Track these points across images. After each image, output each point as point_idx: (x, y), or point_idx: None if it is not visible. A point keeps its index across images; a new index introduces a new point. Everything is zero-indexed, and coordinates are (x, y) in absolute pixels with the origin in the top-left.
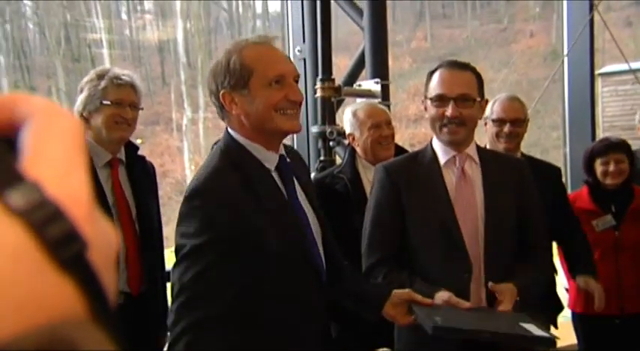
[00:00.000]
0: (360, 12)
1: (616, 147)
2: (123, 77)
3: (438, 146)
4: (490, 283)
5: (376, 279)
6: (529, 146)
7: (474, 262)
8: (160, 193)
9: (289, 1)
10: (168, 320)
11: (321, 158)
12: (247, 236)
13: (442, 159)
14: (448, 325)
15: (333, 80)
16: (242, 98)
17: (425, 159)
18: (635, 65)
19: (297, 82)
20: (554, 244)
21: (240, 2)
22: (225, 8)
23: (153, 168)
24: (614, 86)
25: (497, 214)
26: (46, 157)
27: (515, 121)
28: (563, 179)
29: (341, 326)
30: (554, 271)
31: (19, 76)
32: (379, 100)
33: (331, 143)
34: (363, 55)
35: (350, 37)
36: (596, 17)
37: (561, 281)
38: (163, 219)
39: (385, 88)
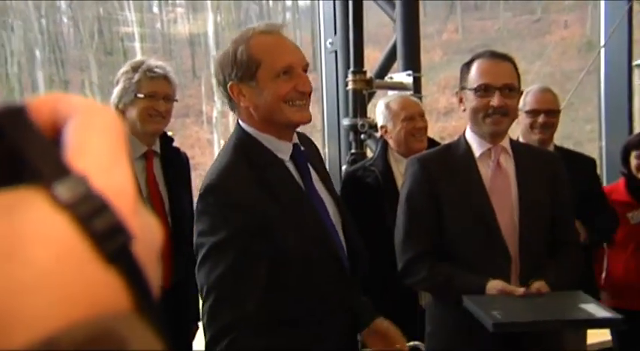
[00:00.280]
0: (392, 4)
1: None
2: (156, 70)
3: (472, 138)
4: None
5: (419, 273)
6: (562, 138)
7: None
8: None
9: None
10: (201, 320)
11: (352, 151)
12: (264, 231)
13: (477, 151)
14: (510, 319)
15: (365, 73)
16: (250, 90)
17: (459, 151)
18: None
19: (306, 70)
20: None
21: None
22: (256, 1)
23: (187, 159)
24: None
25: (531, 207)
26: (90, 151)
27: (548, 112)
28: (599, 172)
29: None
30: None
31: (54, 70)
32: (411, 92)
33: (362, 136)
34: (394, 47)
35: (380, 29)
36: (636, 7)
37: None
38: None
39: (417, 81)
